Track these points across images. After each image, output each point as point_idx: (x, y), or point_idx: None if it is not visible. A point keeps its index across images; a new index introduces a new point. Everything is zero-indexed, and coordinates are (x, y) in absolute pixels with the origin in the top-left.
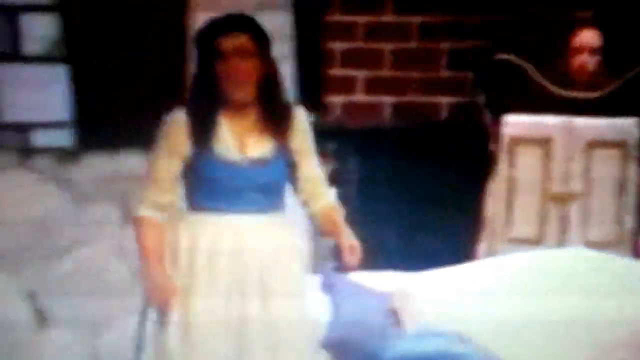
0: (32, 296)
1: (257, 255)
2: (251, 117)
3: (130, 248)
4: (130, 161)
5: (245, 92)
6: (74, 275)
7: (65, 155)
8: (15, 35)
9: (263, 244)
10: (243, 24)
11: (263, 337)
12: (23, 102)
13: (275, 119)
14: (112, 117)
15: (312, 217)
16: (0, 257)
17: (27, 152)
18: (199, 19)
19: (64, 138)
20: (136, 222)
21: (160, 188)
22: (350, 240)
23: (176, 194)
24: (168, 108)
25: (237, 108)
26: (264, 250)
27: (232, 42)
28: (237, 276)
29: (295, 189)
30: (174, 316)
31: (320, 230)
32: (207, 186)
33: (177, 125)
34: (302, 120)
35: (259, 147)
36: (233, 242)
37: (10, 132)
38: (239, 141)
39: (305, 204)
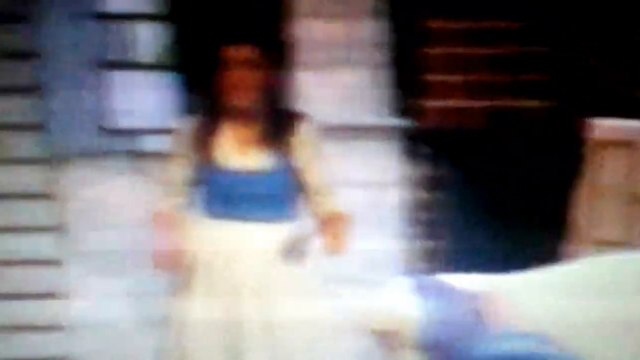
0: (136, 297)
1: (251, 261)
2: (255, 127)
3: None
4: None
5: (245, 100)
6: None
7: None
8: (128, 43)
9: (258, 251)
10: (248, 34)
11: (259, 339)
12: (135, 108)
13: (276, 130)
14: None
15: (318, 225)
16: (109, 259)
17: (137, 157)
18: (303, 26)
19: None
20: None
21: (168, 192)
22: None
23: (183, 198)
24: None
25: (240, 118)
26: (258, 256)
27: (236, 52)
28: (232, 280)
29: (305, 199)
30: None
31: (321, 234)
32: (210, 193)
33: (184, 133)
34: (306, 130)
35: (260, 157)
36: (228, 249)
37: (123, 138)
38: (240, 151)
39: (313, 213)
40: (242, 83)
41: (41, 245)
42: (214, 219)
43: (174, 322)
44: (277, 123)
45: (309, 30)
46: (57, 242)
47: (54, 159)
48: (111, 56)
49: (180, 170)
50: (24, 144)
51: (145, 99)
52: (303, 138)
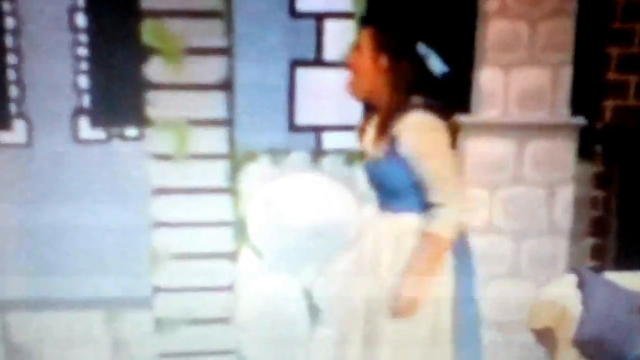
0: (308, 295)
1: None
2: (379, 117)
3: None
4: None
5: (358, 87)
6: (348, 274)
7: (352, 157)
8: (318, 41)
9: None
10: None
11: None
12: (317, 106)
13: (381, 120)
14: None
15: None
16: (283, 257)
17: (319, 154)
18: (491, 27)
19: (350, 141)
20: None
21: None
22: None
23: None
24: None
25: (376, 108)
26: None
27: (361, 37)
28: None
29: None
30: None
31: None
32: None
33: (357, 130)
34: (410, 123)
35: (376, 147)
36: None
37: (306, 135)
38: (372, 141)
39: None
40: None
41: (220, 239)
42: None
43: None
44: (383, 113)
45: (494, 30)
46: (235, 237)
47: (239, 155)
48: (300, 53)
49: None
50: (211, 140)
51: (330, 97)
52: (406, 130)
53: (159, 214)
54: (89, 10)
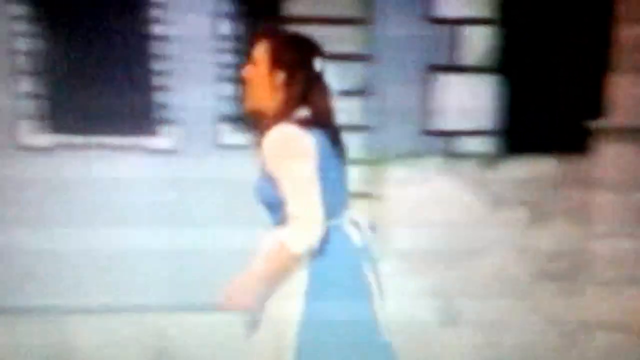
0: (440, 296)
1: None
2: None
3: (531, 250)
4: (542, 166)
5: (248, 96)
6: (478, 276)
7: (485, 161)
8: (454, 47)
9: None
10: (265, 33)
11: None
12: (452, 110)
13: (258, 133)
14: (530, 124)
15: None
16: (416, 259)
17: (452, 158)
18: (627, 31)
19: (485, 144)
20: None
21: None
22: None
23: None
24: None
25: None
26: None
27: (256, 50)
28: None
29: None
30: None
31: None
32: None
33: None
34: (270, 137)
35: (258, 164)
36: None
37: (442, 139)
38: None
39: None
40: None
41: None
42: None
43: None
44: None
45: (629, 35)
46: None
47: (376, 159)
48: (438, 59)
49: None
50: (349, 145)
51: (466, 101)
52: (265, 148)
53: None
54: (237, 18)
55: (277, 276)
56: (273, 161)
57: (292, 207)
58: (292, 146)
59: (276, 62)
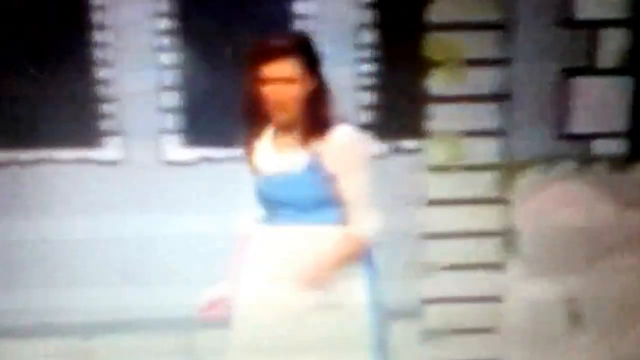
0: (571, 301)
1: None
2: (294, 131)
3: None
4: None
5: (286, 114)
6: (611, 280)
7: (617, 163)
8: (592, 49)
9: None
10: (284, 50)
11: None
12: (588, 113)
13: (307, 133)
14: None
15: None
16: (548, 263)
17: (586, 161)
18: None
19: (618, 147)
20: None
21: None
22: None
23: None
24: None
25: (281, 125)
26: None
27: (274, 69)
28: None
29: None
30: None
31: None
32: (258, 198)
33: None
34: (336, 138)
35: (293, 161)
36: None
37: (575, 142)
38: (277, 155)
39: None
40: (279, 97)
41: (487, 249)
42: (264, 225)
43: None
44: (308, 127)
45: None
46: (503, 246)
47: (509, 165)
48: (573, 62)
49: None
50: (482, 150)
51: (600, 104)
52: (332, 145)
53: (431, 224)
54: (377, 26)
55: (347, 263)
56: (344, 159)
57: (361, 200)
58: (363, 146)
59: (311, 72)
